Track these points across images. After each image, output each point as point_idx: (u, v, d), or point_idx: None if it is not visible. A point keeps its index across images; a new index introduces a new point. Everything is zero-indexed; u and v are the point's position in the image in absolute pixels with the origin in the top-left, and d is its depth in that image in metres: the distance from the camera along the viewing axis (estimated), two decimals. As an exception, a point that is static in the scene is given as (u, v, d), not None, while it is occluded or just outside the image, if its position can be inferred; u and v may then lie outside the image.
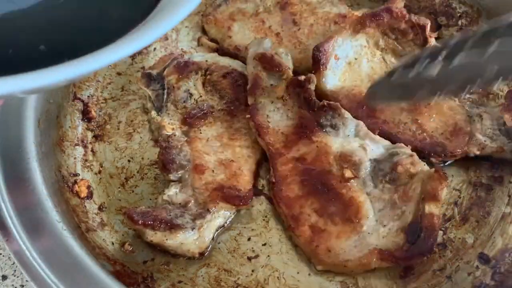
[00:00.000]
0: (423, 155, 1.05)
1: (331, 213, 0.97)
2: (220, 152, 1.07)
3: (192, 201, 1.00)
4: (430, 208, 0.93)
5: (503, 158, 1.07)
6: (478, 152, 1.05)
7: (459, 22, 1.29)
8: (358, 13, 1.25)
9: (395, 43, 1.16)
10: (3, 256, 1.04)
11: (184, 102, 1.13)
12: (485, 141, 1.05)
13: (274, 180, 1.02)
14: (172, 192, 1.01)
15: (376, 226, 0.96)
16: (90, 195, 1.06)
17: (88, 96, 1.19)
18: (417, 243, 0.91)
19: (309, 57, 1.22)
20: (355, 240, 0.95)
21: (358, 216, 0.96)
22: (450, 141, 1.06)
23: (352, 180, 1.00)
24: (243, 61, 1.19)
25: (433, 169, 0.97)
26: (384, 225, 0.96)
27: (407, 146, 1.03)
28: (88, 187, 1.07)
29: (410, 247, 0.91)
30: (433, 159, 1.06)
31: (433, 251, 0.94)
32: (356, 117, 1.08)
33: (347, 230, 0.96)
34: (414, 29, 1.12)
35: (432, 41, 1.12)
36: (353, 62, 1.17)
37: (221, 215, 1.00)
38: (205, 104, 1.12)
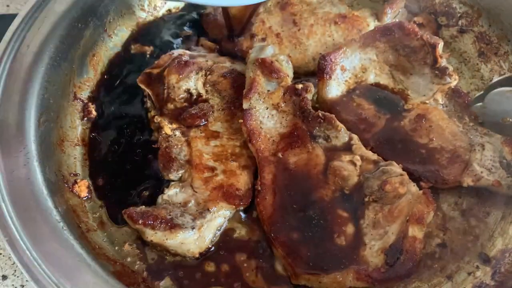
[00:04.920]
0: (413, 177, 1.00)
1: (312, 226, 0.95)
2: (220, 152, 1.07)
3: (192, 200, 1.00)
4: (414, 231, 0.91)
5: (498, 193, 1.02)
6: (472, 184, 1.01)
7: (459, 22, 1.29)
8: (358, 13, 1.25)
9: (405, 60, 1.12)
10: (3, 256, 1.04)
11: (185, 102, 1.13)
12: (481, 172, 1.00)
13: (259, 188, 1.01)
14: (172, 192, 1.01)
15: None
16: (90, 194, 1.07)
17: (88, 96, 1.19)
18: (396, 266, 0.89)
19: (309, 57, 1.23)
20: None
21: (339, 232, 0.94)
22: (445, 168, 1.02)
23: (339, 195, 0.98)
24: (244, 61, 1.20)
25: (422, 191, 0.95)
26: (365, 244, 0.94)
27: (398, 165, 1.00)
28: (88, 186, 1.07)
29: (388, 269, 0.89)
30: (422, 184, 1.01)
31: (411, 276, 0.91)
32: (352, 130, 1.06)
33: (326, 246, 0.94)
34: (425, 48, 1.09)
35: (443, 62, 1.09)
36: (360, 75, 1.16)
37: (221, 214, 1.00)
38: (205, 104, 1.12)
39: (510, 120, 0.90)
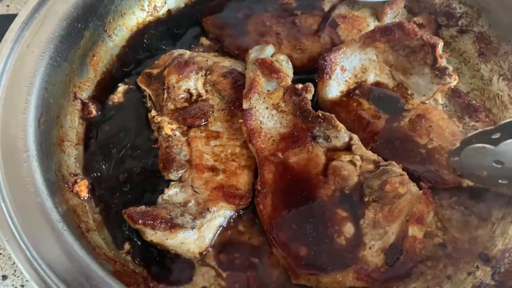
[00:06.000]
0: (413, 177, 1.00)
1: (312, 226, 0.95)
2: (220, 152, 1.07)
3: (192, 200, 1.00)
4: (414, 231, 0.91)
5: (498, 194, 1.02)
6: (472, 184, 1.01)
7: (459, 22, 1.29)
8: (358, 13, 1.25)
9: (405, 60, 1.12)
10: (4, 256, 1.04)
11: (185, 102, 1.13)
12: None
13: (259, 188, 1.01)
14: (173, 191, 1.01)
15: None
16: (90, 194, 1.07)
17: (88, 96, 1.19)
18: (395, 266, 0.89)
19: (308, 58, 1.23)
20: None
21: (339, 232, 0.94)
22: (445, 167, 1.01)
23: (339, 194, 0.98)
24: (244, 61, 1.20)
25: (422, 191, 0.95)
26: (365, 244, 0.93)
27: (398, 165, 1.00)
28: (88, 187, 1.07)
29: (388, 269, 0.89)
30: (422, 184, 1.01)
31: (411, 276, 0.91)
32: (352, 130, 1.06)
33: (326, 246, 0.93)
34: (425, 48, 1.08)
35: (443, 62, 1.09)
36: (360, 75, 1.16)
37: (221, 214, 1.00)
38: (205, 104, 1.12)
39: (485, 173, 0.95)
